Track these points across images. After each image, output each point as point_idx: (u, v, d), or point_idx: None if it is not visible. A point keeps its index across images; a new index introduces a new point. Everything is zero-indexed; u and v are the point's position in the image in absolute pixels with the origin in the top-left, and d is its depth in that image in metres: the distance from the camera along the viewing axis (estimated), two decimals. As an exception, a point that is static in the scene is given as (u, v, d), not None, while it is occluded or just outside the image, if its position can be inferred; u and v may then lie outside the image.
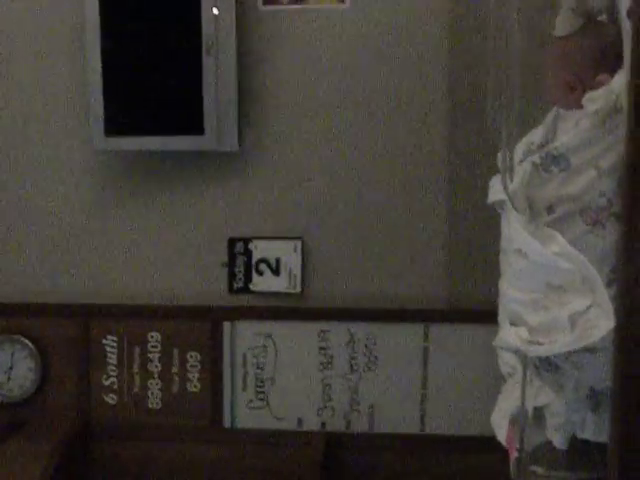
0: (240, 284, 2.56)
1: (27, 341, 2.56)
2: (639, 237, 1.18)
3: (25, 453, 2.42)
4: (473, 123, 2.38)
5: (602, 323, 1.29)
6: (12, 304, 2.58)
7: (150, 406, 2.58)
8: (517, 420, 1.54)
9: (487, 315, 1.69)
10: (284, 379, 2.56)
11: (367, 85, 2.46)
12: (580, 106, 1.42)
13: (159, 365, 2.57)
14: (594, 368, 1.36)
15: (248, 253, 2.54)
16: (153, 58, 2.35)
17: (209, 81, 2.33)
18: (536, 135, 1.54)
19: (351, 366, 2.54)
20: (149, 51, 2.35)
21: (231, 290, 2.57)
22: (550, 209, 1.39)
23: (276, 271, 2.54)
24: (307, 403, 2.56)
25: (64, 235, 2.59)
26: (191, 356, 2.56)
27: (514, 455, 1.55)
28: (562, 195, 1.38)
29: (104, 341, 2.56)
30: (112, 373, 2.58)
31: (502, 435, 1.63)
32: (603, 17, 1.49)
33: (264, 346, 2.55)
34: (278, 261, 2.54)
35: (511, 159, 1.47)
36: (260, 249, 2.54)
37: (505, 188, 1.44)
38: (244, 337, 2.55)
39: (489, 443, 1.74)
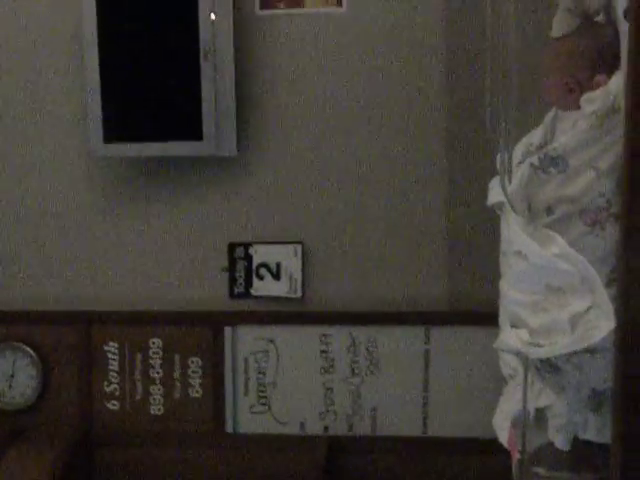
0: (241, 289, 2.56)
1: (28, 349, 2.56)
2: (638, 237, 1.18)
3: (27, 461, 2.42)
4: (472, 125, 2.38)
5: (602, 324, 1.29)
6: (13, 312, 2.59)
7: (152, 412, 2.58)
8: (519, 422, 1.54)
9: (488, 317, 1.69)
10: (286, 383, 2.56)
11: (365, 88, 2.46)
12: (578, 107, 1.42)
13: (161, 371, 2.57)
14: (595, 369, 1.36)
15: (248, 258, 2.54)
16: (151, 64, 2.36)
17: (207, 86, 2.33)
18: (535, 136, 1.54)
19: (353, 369, 2.54)
20: (147, 57, 2.35)
21: (232, 295, 2.57)
22: (549, 210, 1.39)
23: (277, 275, 2.54)
24: (309, 407, 2.56)
25: (64, 242, 2.59)
26: (192, 362, 2.56)
27: (516, 457, 1.55)
28: (561, 196, 1.38)
29: (105, 348, 2.56)
30: (114, 380, 2.58)
31: (504, 437, 1.62)
32: (600, 18, 1.49)
33: (265, 351, 2.55)
34: (278, 265, 2.54)
35: (510, 161, 1.47)
36: (260, 254, 2.54)
37: (504, 190, 1.44)
38: (245, 342, 2.55)
39: (491, 445, 1.74)
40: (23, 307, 2.59)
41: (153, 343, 2.56)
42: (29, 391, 2.58)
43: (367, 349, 2.52)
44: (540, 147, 1.47)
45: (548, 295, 1.37)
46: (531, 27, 1.69)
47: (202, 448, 2.57)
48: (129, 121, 2.41)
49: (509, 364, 1.62)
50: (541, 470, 1.49)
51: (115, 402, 2.59)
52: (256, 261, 2.54)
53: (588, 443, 1.48)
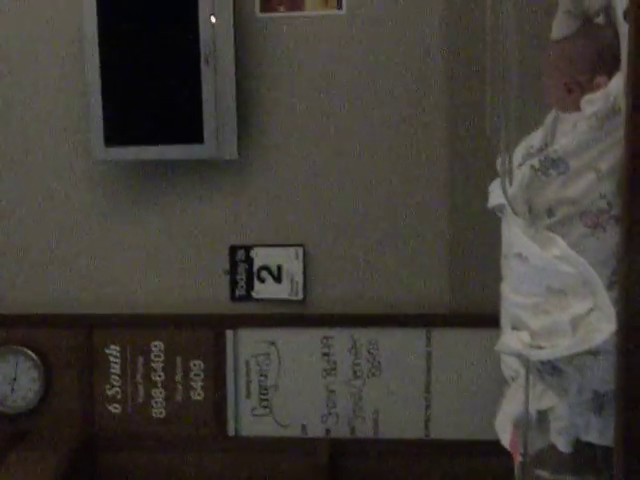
0: (242, 292, 2.56)
1: (30, 352, 2.56)
2: (639, 239, 1.18)
3: (30, 464, 2.42)
4: (473, 127, 2.38)
5: (604, 326, 1.29)
6: (14, 315, 2.58)
7: (154, 415, 2.58)
8: (521, 424, 1.53)
9: (489, 319, 1.69)
10: (288, 386, 2.55)
11: (365, 91, 2.46)
12: (578, 108, 1.42)
13: (162, 374, 2.57)
14: (597, 371, 1.36)
15: (250, 260, 2.54)
16: (152, 67, 2.36)
17: (208, 89, 2.33)
18: (535, 138, 1.53)
19: (354, 372, 2.53)
20: (147, 60, 2.35)
21: (233, 298, 2.56)
22: (550, 212, 1.39)
23: (278, 278, 2.54)
24: (311, 410, 2.55)
25: (66, 245, 2.59)
26: (194, 364, 2.56)
27: (518, 459, 1.55)
28: (562, 198, 1.38)
29: (107, 351, 2.56)
30: (115, 383, 2.58)
31: (506, 439, 1.62)
32: (600, 19, 1.49)
33: (267, 353, 2.55)
34: (280, 268, 2.54)
35: (510, 163, 1.46)
36: (261, 256, 2.54)
37: (504, 192, 1.44)
38: (247, 345, 2.55)
39: (494, 447, 1.73)
40: (24, 310, 2.59)
41: (155, 346, 2.56)
42: (31, 394, 2.58)
43: (369, 351, 2.52)
44: (540, 149, 1.47)
45: (549, 297, 1.36)
46: (531, 29, 1.69)
47: (204, 451, 2.57)
48: (130, 124, 2.41)
49: (511, 366, 1.62)
50: (543, 473, 1.49)
51: (117, 405, 2.58)
52: (257, 264, 2.54)
53: (590, 445, 1.47)
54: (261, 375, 2.56)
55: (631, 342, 1.17)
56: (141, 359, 2.56)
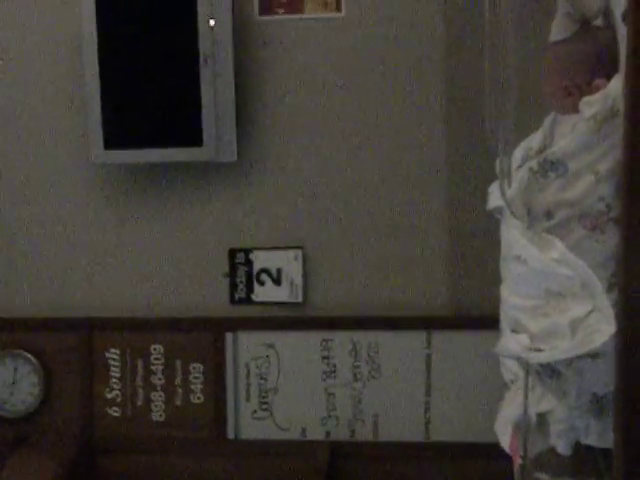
0: (242, 295, 2.55)
1: (29, 356, 2.56)
2: (638, 241, 1.18)
3: (30, 468, 2.42)
4: (471, 129, 2.38)
5: (603, 328, 1.29)
6: (13, 319, 2.58)
7: (154, 418, 2.58)
8: (520, 427, 1.53)
9: (490, 322, 1.68)
10: (287, 389, 2.55)
11: (364, 94, 2.46)
12: (577, 111, 1.42)
13: (162, 377, 2.56)
14: (596, 374, 1.36)
15: (249, 263, 2.54)
16: (150, 70, 2.36)
17: (207, 92, 2.33)
18: (534, 140, 1.53)
19: (354, 375, 2.53)
20: (146, 63, 2.36)
21: (233, 301, 2.56)
22: (549, 215, 1.39)
23: (277, 281, 2.54)
24: (311, 413, 2.55)
25: (65, 248, 2.59)
26: (194, 368, 2.56)
27: (518, 462, 1.54)
28: (560, 201, 1.38)
29: (107, 354, 2.56)
30: (115, 386, 2.57)
31: (506, 442, 1.62)
32: (598, 21, 1.49)
33: (267, 356, 2.55)
34: (279, 271, 2.54)
35: (509, 165, 1.46)
36: (261, 259, 2.54)
37: (503, 194, 1.44)
38: (246, 348, 2.55)
39: (494, 450, 1.73)
40: (24, 314, 2.59)
41: (154, 349, 2.56)
42: (31, 398, 2.58)
43: (368, 354, 2.52)
44: (539, 151, 1.47)
45: (548, 300, 1.36)
46: (530, 31, 1.69)
47: (204, 454, 2.57)
48: (129, 127, 2.41)
49: (510, 369, 1.61)
50: (543, 475, 1.49)
51: (117, 408, 2.58)
52: (257, 267, 2.54)
53: (590, 448, 1.47)
54: (261, 378, 2.56)
55: (630, 344, 1.16)
56: (141, 362, 2.56)
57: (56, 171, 2.56)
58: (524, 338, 1.38)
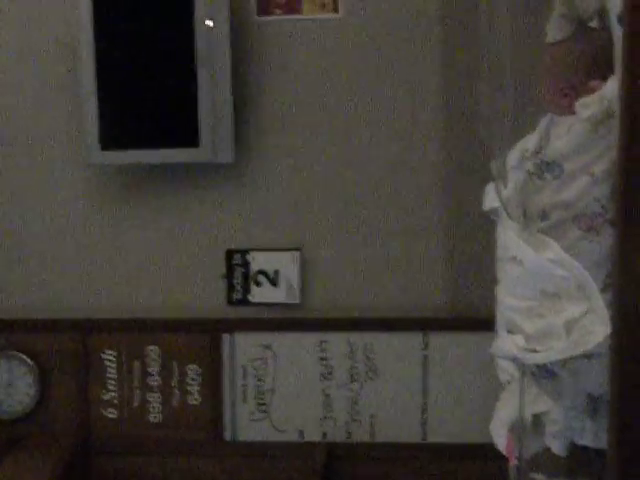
0: (239, 296, 2.55)
1: (25, 357, 2.55)
2: (633, 242, 1.18)
3: (25, 469, 2.41)
4: (468, 130, 2.38)
5: (598, 329, 1.29)
6: (9, 320, 2.57)
7: (150, 420, 2.57)
8: (516, 428, 1.53)
9: (486, 323, 1.68)
10: (284, 390, 2.55)
11: (362, 94, 2.46)
12: (573, 112, 1.42)
13: (159, 379, 2.56)
14: (591, 375, 1.36)
15: (246, 264, 2.54)
16: (147, 70, 2.35)
17: (204, 93, 2.33)
18: (530, 141, 1.53)
19: (351, 376, 2.53)
20: (143, 63, 2.35)
21: (230, 302, 2.56)
22: (544, 216, 1.39)
23: (274, 282, 2.54)
24: (308, 414, 2.55)
25: (61, 249, 2.58)
26: (191, 369, 2.55)
27: (513, 462, 1.54)
28: (556, 202, 1.38)
29: (103, 355, 2.56)
30: (112, 387, 2.57)
31: (501, 443, 1.62)
32: (594, 23, 1.49)
33: (264, 358, 2.55)
34: (276, 272, 2.53)
35: (504, 166, 1.46)
36: (258, 260, 2.54)
37: (499, 195, 1.44)
38: (243, 349, 2.54)
39: (491, 451, 1.73)
40: (20, 315, 2.58)
41: (151, 350, 2.56)
42: (27, 399, 2.57)
43: (365, 355, 2.52)
44: (535, 152, 1.47)
45: (543, 301, 1.36)
46: (526, 33, 1.69)
47: (200, 456, 2.56)
48: (126, 128, 2.40)
49: (506, 370, 1.61)
50: (538, 476, 1.49)
51: (113, 410, 2.58)
52: (254, 268, 2.54)
53: (585, 449, 1.47)
54: (258, 379, 2.55)
55: (625, 345, 1.16)
56: (137, 364, 2.56)
57: (52, 172, 2.56)
58: (519, 339, 1.38)
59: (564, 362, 1.36)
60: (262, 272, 2.54)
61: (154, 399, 2.57)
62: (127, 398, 2.57)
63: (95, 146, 2.38)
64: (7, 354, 2.56)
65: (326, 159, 2.50)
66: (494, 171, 1.49)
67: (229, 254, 2.55)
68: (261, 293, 2.54)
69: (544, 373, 1.41)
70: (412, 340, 2.49)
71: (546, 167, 1.38)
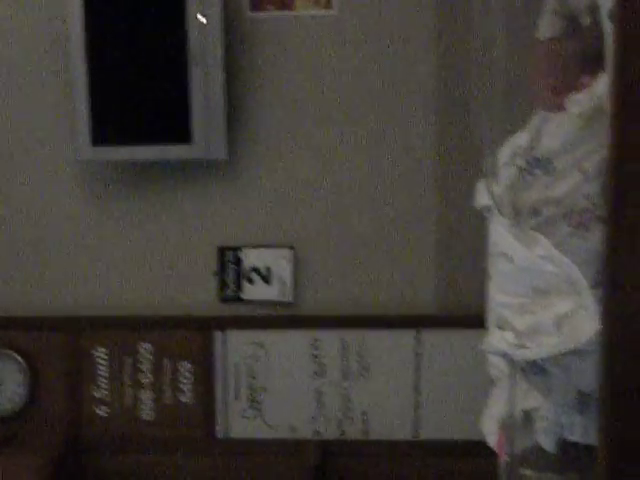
0: (231, 293, 2.55)
1: (16, 355, 2.54)
2: (623, 239, 1.18)
3: (16, 467, 2.40)
4: (461, 127, 2.38)
5: (588, 325, 1.29)
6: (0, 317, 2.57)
7: (142, 418, 2.57)
8: (507, 424, 1.53)
9: (478, 320, 1.68)
10: (277, 388, 2.55)
11: (355, 91, 2.46)
12: (564, 108, 1.42)
13: (150, 376, 2.55)
14: (581, 371, 1.36)
15: (239, 262, 2.53)
16: (139, 66, 2.35)
17: (197, 89, 2.33)
18: (521, 138, 1.53)
19: (344, 373, 2.53)
20: (135, 59, 2.34)
21: (222, 299, 2.56)
22: (535, 212, 1.39)
23: (267, 280, 2.53)
24: (300, 411, 2.55)
25: (52, 247, 2.57)
26: (183, 366, 2.55)
27: (504, 459, 1.54)
28: (547, 198, 1.38)
29: (94, 353, 2.55)
30: (103, 385, 2.56)
31: (492, 439, 1.62)
32: (585, 19, 1.49)
33: (256, 355, 2.54)
34: (269, 270, 2.53)
35: (496, 163, 1.46)
36: (251, 258, 2.53)
37: (490, 192, 1.44)
38: (236, 346, 2.54)
39: (484, 447, 1.73)
40: (10, 313, 2.57)
41: (143, 348, 2.55)
42: (17, 398, 2.56)
43: (358, 353, 2.52)
44: (526, 149, 1.47)
45: (534, 297, 1.36)
46: (518, 29, 1.69)
47: (193, 453, 2.56)
48: (117, 124, 2.40)
49: (496, 366, 1.61)
50: (528, 472, 1.49)
51: (105, 408, 2.57)
52: (246, 265, 2.53)
53: (575, 445, 1.47)
54: (250, 377, 2.55)
55: (615, 341, 1.16)
56: (129, 361, 2.55)
57: (43, 168, 2.55)
58: (510, 335, 1.38)
59: (554, 358, 1.36)
60: (255, 269, 2.53)
61: (146, 397, 2.56)
62: (119, 396, 2.56)
63: (86, 142, 2.37)
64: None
65: (319, 156, 2.49)
66: (485, 168, 1.49)
67: (221, 251, 2.54)
68: (253, 291, 2.54)
69: (534, 369, 1.41)
70: (404, 337, 2.49)
71: (537, 163, 1.38)
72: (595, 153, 1.35)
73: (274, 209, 2.52)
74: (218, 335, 2.53)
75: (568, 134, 1.38)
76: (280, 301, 2.54)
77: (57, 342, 2.53)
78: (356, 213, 2.50)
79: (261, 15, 2.45)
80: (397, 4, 2.41)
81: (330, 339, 2.52)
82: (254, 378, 2.55)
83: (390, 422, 2.52)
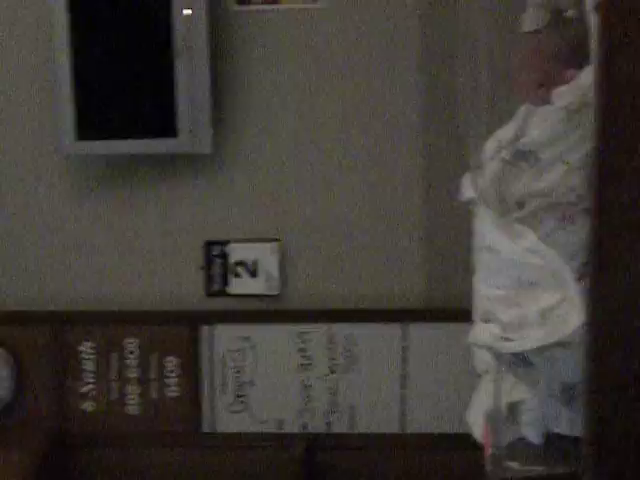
0: (217, 287, 2.54)
1: (1, 350, 2.52)
2: (608, 231, 1.18)
3: (2, 462, 2.39)
4: (447, 121, 2.38)
5: (573, 318, 1.30)
6: (-15, 312, 2.55)
7: (129, 412, 2.56)
8: (492, 417, 1.54)
9: (465, 313, 1.68)
10: (264, 382, 2.55)
11: (341, 84, 2.45)
12: (549, 101, 1.42)
13: (137, 371, 2.55)
14: (567, 363, 1.36)
15: (225, 256, 2.53)
16: (124, 59, 2.33)
17: (182, 83, 2.32)
18: (506, 131, 1.53)
19: (331, 367, 2.53)
20: (120, 52, 2.33)
21: (208, 293, 2.55)
22: (520, 205, 1.39)
23: (254, 273, 2.53)
24: (287, 405, 2.55)
25: (37, 241, 2.56)
26: (169, 361, 2.54)
27: (489, 451, 1.55)
28: (532, 191, 1.38)
29: (80, 348, 2.54)
30: (89, 380, 2.55)
31: (478, 432, 1.63)
32: (570, 12, 1.49)
33: (243, 349, 2.54)
34: (255, 263, 2.53)
35: (481, 156, 1.46)
36: (237, 252, 2.53)
37: (475, 185, 1.44)
38: (222, 340, 2.54)
39: (470, 440, 1.74)
40: (-5, 307, 2.56)
41: (129, 343, 2.54)
42: (2, 392, 2.54)
43: (345, 347, 2.52)
44: (511, 142, 1.47)
45: (519, 290, 1.37)
46: (503, 23, 1.69)
47: (180, 447, 2.56)
48: (102, 118, 2.38)
49: (483, 359, 1.62)
50: (514, 464, 1.50)
51: (91, 402, 2.56)
52: (233, 259, 2.53)
53: (560, 437, 1.48)
54: (237, 371, 2.55)
55: (600, 333, 1.17)
56: (115, 356, 2.54)
57: (27, 163, 2.53)
58: (495, 328, 1.39)
59: (539, 351, 1.36)
60: (241, 263, 2.53)
61: (132, 391, 2.56)
62: (105, 390, 2.55)
63: (70, 136, 2.36)
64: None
65: (306, 150, 2.49)
66: (471, 161, 1.49)
67: (208, 245, 2.54)
68: (240, 284, 2.54)
69: (520, 362, 1.41)
70: (391, 331, 2.50)
71: (522, 156, 1.39)
72: (580, 146, 1.36)
73: (260, 203, 2.52)
74: (204, 329, 2.53)
75: (553, 127, 1.38)
76: (267, 295, 2.54)
77: (42, 337, 2.52)
78: (343, 207, 2.50)
79: (247, 9, 2.44)
80: (381, -2, 2.41)
81: (317, 333, 2.52)
82: (241, 372, 2.55)
83: (377, 415, 2.53)
